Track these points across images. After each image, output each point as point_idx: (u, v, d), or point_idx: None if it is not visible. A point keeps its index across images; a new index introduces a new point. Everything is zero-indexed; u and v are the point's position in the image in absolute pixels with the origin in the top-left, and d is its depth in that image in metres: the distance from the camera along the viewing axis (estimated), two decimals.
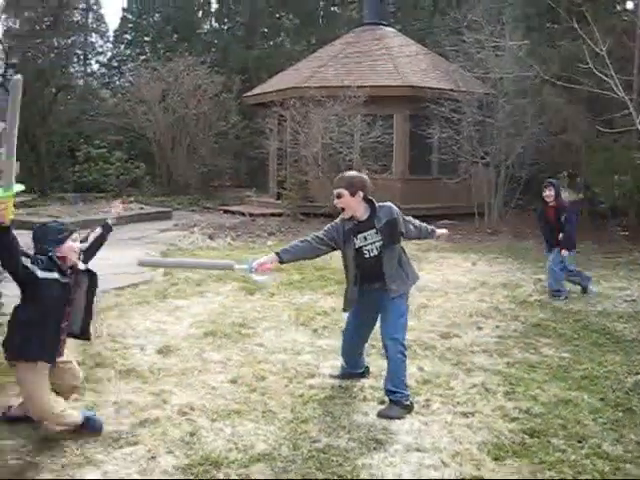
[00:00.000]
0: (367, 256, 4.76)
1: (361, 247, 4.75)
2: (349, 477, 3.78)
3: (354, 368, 5.31)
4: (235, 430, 4.37)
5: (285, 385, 5.19)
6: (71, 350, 4.55)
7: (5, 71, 22.42)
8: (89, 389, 4.98)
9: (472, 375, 5.44)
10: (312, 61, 19.42)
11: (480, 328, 6.86)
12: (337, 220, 4.85)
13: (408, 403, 4.70)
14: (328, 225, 4.88)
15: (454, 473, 3.84)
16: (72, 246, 4.16)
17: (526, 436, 4.30)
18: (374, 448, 4.15)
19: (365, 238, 4.73)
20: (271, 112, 17.40)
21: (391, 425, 4.48)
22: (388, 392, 4.75)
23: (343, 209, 4.75)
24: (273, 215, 16.18)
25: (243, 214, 16.73)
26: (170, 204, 18.59)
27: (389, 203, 4.87)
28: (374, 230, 4.72)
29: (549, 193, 8.24)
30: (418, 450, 4.13)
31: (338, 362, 5.68)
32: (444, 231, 5.44)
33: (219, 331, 6.51)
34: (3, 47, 22.58)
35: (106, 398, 4.84)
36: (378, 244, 4.74)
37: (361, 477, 3.78)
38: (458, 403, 4.86)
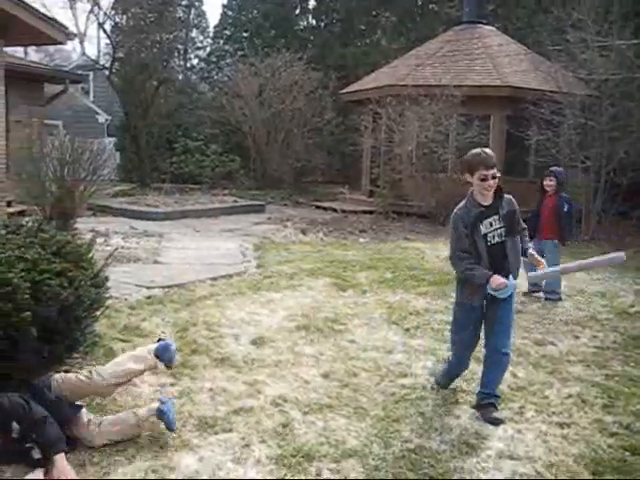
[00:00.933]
0: (490, 243, 4.56)
1: (486, 234, 4.55)
2: (441, 479, 3.76)
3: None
4: (327, 424, 4.41)
5: (377, 383, 5.20)
6: None
7: (112, 64, 23.28)
8: (185, 375, 5.13)
9: (568, 385, 5.30)
10: (409, 59, 19.29)
11: (577, 337, 6.66)
12: (455, 211, 4.66)
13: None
14: (451, 231, 4.68)
15: None
16: None
17: (627, 453, 4.15)
18: (466, 452, 4.12)
19: (490, 224, 4.55)
20: (367, 109, 17.40)
21: (483, 430, 4.43)
22: (491, 396, 4.68)
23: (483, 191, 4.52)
24: (365, 212, 16.18)
25: (335, 210, 16.80)
26: (263, 198, 18.86)
27: (510, 197, 4.68)
28: (498, 216, 4.55)
29: (550, 182, 7.98)
30: (511, 458, 4.07)
31: (430, 362, 5.67)
32: (536, 256, 4.83)
33: (312, 325, 6.57)
34: (111, 41, 23.45)
35: (201, 385, 4.98)
36: (501, 231, 4.55)
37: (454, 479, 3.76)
38: (553, 413, 4.74)
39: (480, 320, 4.75)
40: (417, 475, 3.79)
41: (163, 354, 4.38)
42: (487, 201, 4.56)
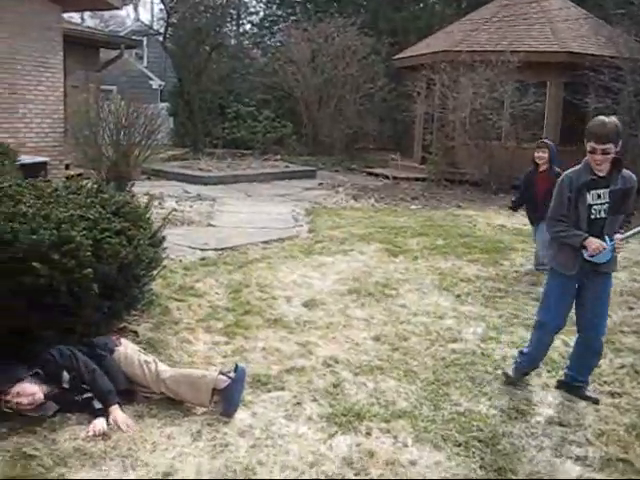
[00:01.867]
0: (594, 217, 4.27)
1: (592, 205, 4.25)
2: (489, 442, 3.79)
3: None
4: (377, 386, 4.48)
5: (427, 347, 5.23)
6: None
7: (166, 30, 23.41)
8: (238, 334, 5.25)
9: (621, 355, 5.24)
10: (464, 24, 18.91)
11: (631, 308, 6.56)
12: (566, 173, 4.35)
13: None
14: (555, 194, 4.37)
15: (599, 452, 3.75)
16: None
17: None
18: (515, 417, 4.14)
19: (598, 196, 4.23)
20: (420, 75, 17.15)
21: (533, 396, 4.45)
22: (583, 383, 4.55)
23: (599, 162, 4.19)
24: (417, 180, 16.08)
25: (386, 177, 16.72)
26: (314, 164, 18.86)
27: (630, 173, 4.34)
28: (608, 190, 4.22)
29: (541, 155, 7.32)
30: (561, 424, 4.07)
31: (480, 329, 5.67)
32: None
33: (363, 289, 6.63)
34: (165, 7, 23.55)
35: (254, 344, 5.09)
36: (607, 206, 4.25)
37: (501, 444, 3.78)
38: (605, 382, 4.72)
39: (573, 296, 4.44)
40: (465, 437, 3.83)
41: (229, 397, 4.04)
42: (602, 172, 4.24)
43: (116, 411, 3.81)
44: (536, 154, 7.42)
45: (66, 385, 3.87)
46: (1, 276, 3.73)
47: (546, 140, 7.84)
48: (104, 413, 3.79)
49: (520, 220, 11.08)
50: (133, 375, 4.11)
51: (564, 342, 5.35)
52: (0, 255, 3.68)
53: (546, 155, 7.30)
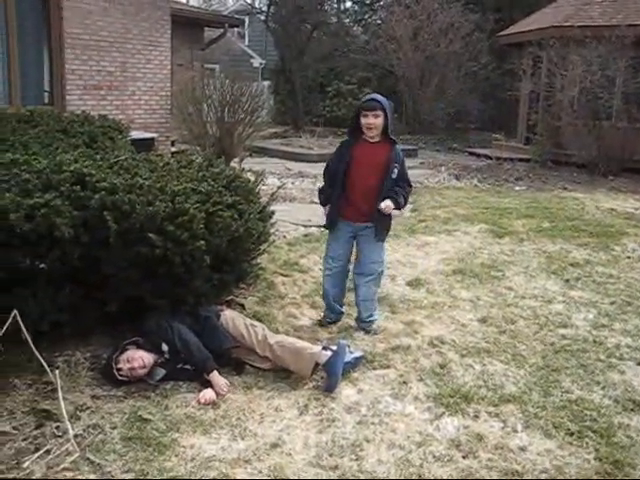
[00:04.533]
0: None
1: None
2: (604, 433, 3.63)
3: None
4: (485, 368, 4.38)
5: (535, 331, 5.08)
6: None
7: (268, 8, 23.58)
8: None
9: None
10: None
11: None
12: None
13: None
14: None
15: None
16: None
17: None
18: (631, 409, 3.95)
19: None
20: (526, 53, 16.59)
21: None
22: None
23: None
24: (521, 160, 15.59)
25: (489, 157, 16.31)
26: (415, 143, 18.64)
27: None
28: None
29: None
30: None
31: (591, 315, 5.45)
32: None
33: (468, 270, 6.50)
34: None
35: None
36: None
37: (617, 436, 3.62)
38: None
39: None
40: (579, 427, 3.69)
41: (332, 369, 4.01)
42: None
43: (215, 377, 3.89)
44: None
45: (167, 356, 3.98)
46: (120, 246, 3.84)
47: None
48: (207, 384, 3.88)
49: (632, 204, 10.62)
50: (239, 336, 4.20)
51: None
52: (119, 226, 3.79)
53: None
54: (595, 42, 14.13)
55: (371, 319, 4.93)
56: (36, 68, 9.16)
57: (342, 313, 5.09)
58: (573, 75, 14.65)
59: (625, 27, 13.97)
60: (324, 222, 5.05)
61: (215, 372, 3.92)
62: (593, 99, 14.42)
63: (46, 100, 9.31)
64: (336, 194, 4.81)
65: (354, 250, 5.00)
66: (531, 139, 16.37)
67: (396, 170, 4.72)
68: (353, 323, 5.04)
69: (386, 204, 4.66)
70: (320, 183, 5.25)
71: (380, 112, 4.63)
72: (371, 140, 4.71)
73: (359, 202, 4.77)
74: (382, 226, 4.82)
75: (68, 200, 3.82)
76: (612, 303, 5.79)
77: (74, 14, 9.23)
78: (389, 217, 4.80)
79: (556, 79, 15.17)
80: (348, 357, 4.16)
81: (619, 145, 13.99)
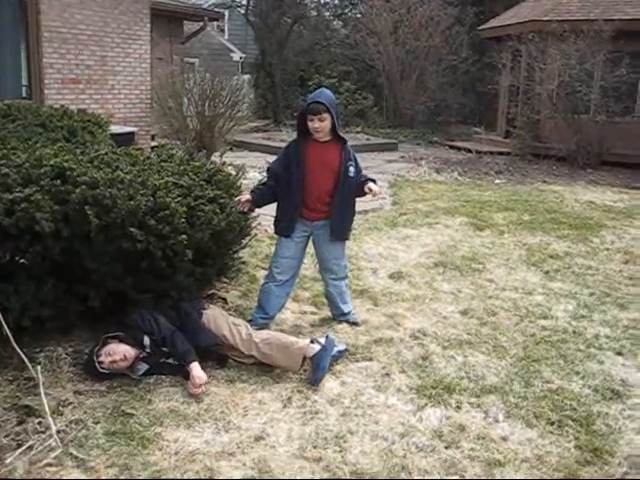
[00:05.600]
0: None
1: None
2: (583, 422, 3.68)
3: None
4: (466, 360, 4.42)
5: (516, 323, 5.13)
6: None
7: (248, 2, 23.48)
8: (326, 305, 5.23)
9: None
10: None
11: None
12: None
13: None
14: None
15: None
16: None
17: None
18: (610, 398, 4.00)
19: None
20: (506, 46, 16.68)
21: (629, 378, 4.28)
22: None
23: None
24: (501, 154, 15.69)
25: (469, 150, 16.40)
26: (395, 136, 18.69)
27: None
28: None
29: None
30: None
31: (571, 306, 5.52)
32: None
33: (449, 263, 6.55)
34: None
35: None
36: None
37: (596, 425, 3.67)
38: None
39: None
40: (559, 416, 3.73)
41: (319, 363, 4.05)
42: None
43: (194, 370, 3.85)
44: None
45: (148, 350, 3.97)
46: (101, 241, 3.82)
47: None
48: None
49: (610, 196, 10.74)
50: (222, 336, 4.18)
51: None
52: (100, 220, 3.77)
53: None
54: (574, 36, 14.22)
55: (350, 309, 4.95)
56: (13, 62, 9.09)
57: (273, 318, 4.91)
58: (552, 69, 14.75)
59: (603, 21, 14.07)
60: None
61: (196, 363, 3.89)
62: (572, 93, 14.53)
63: (24, 94, 9.24)
64: (295, 201, 4.63)
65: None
66: (511, 132, 16.47)
67: (352, 168, 4.65)
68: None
69: (373, 186, 4.63)
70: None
71: (326, 115, 4.50)
72: (321, 140, 4.65)
73: (314, 203, 4.66)
74: (340, 223, 4.71)
75: (48, 194, 3.80)
76: (591, 294, 5.86)
77: (52, 7, 9.16)
78: (348, 214, 4.76)
79: (535, 73, 15.26)
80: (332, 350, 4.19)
81: (597, 138, 14.12)
